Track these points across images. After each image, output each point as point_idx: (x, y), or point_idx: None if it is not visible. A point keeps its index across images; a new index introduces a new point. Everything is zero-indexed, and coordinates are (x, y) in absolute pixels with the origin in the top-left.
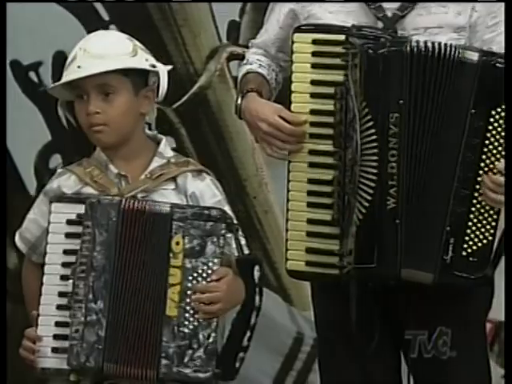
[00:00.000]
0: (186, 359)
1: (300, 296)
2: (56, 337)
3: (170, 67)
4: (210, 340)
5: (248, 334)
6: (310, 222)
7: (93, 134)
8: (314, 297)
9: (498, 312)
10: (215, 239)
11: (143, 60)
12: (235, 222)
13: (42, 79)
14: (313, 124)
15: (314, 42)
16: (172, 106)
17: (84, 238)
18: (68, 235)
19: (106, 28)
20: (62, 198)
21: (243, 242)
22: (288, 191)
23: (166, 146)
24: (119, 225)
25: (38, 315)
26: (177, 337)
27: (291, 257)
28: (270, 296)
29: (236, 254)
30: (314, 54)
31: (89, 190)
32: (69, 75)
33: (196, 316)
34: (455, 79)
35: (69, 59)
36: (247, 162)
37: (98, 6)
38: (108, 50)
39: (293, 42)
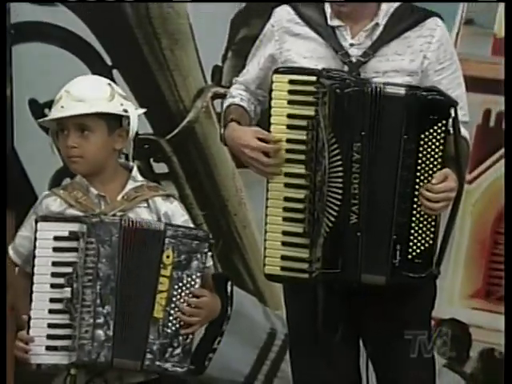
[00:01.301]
0: (166, 355)
1: (273, 298)
2: (49, 336)
3: (142, 111)
4: (188, 341)
5: (218, 338)
6: (285, 233)
7: (70, 164)
8: (286, 297)
9: (439, 311)
10: (199, 256)
11: (118, 104)
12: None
13: None
14: (288, 151)
15: (290, 81)
16: (165, 137)
17: (87, 252)
18: (55, 249)
19: (110, 71)
20: (47, 217)
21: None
22: (266, 207)
23: (137, 172)
24: (121, 240)
25: (30, 319)
26: (161, 335)
27: (268, 263)
28: (247, 298)
29: (213, 269)
30: (290, 91)
31: (72, 211)
32: (54, 113)
33: (178, 320)
34: (391, 111)
35: (56, 98)
36: (228, 184)
37: (102, 52)
38: (88, 94)
39: (272, 82)
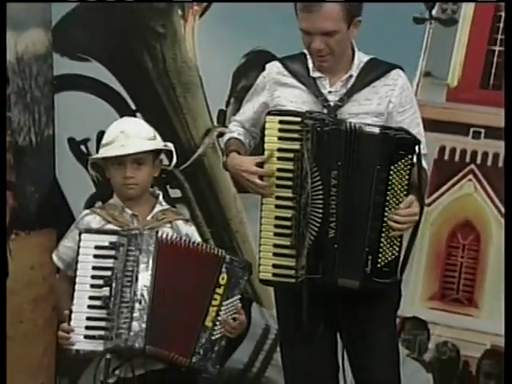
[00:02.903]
0: (207, 356)
1: (267, 299)
2: (87, 327)
3: (171, 146)
4: (222, 347)
5: (238, 345)
6: (276, 246)
7: (126, 190)
8: (277, 298)
9: (403, 311)
10: (241, 281)
11: (160, 142)
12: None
13: (89, 150)
14: (278, 178)
15: (280, 121)
16: (179, 168)
17: (128, 258)
18: (95, 256)
19: (134, 114)
20: (89, 230)
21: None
22: (260, 224)
23: (162, 199)
24: (156, 250)
25: (71, 312)
26: (207, 341)
27: (263, 270)
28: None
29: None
30: (280, 130)
31: (110, 226)
32: (115, 151)
33: (221, 329)
34: (367, 145)
35: (109, 139)
36: (231, 206)
37: (128, 98)
38: (141, 134)
39: (265, 122)
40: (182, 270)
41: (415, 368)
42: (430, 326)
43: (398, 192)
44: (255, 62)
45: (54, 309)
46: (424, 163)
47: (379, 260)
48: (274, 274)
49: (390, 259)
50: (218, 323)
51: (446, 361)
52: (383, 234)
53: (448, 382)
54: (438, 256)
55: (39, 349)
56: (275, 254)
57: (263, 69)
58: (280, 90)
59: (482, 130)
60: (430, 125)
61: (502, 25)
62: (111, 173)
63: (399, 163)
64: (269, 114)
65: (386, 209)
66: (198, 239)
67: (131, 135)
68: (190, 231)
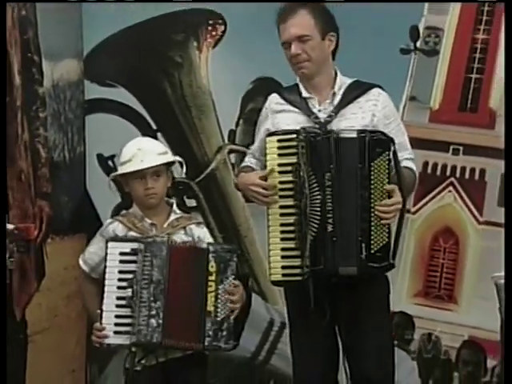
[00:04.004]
0: (218, 336)
1: (272, 296)
2: (116, 324)
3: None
4: (230, 324)
5: (246, 318)
6: (283, 249)
7: (147, 200)
8: (287, 296)
9: (391, 306)
10: (232, 263)
11: (171, 156)
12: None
13: (115, 165)
14: (280, 189)
15: (279, 140)
16: (194, 180)
17: (144, 263)
18: (121, 261)
19: (155, 133)
20: (115, 238)
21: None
22: (268, 232)
23: (176, 207)
24: (168, 254)
25: (102, 311)
26: (213, 323)
27: (273, 272)
28: (254, 296)
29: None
30: (279, 147)
31: (132, 233)
32: (136, 166)
33: (224, 310)
34: (349, 148)
35: (127, 156)
36: (240, 214)
37: (149, 119)
38: (156, 150)
39: (266, 142)
40: (184, 268)
41: (402, 357)
42: (415, 319)
43: (381, 185)
44: (261, 87)
45: (83, 305)
46: (412, 164)
47: (372, 246)
48: (284, 275)
49: (381, 245)
50: (219, 305)
51: (429, 350)
52: (372, 223)
53: (431, 368)
54: (422, 258)
55: (72, 339)
56: (283, 257)
57: (267, 95)
58: (279, 116)
59: (461, 148)
60: (415, 143)
61: (478, 55)
62: (133, 186)
63: (378, 160)
64: (269, 134)
65: (372, 200)
66: (210, 239)
67: (148, 151)
68: (201, 233)
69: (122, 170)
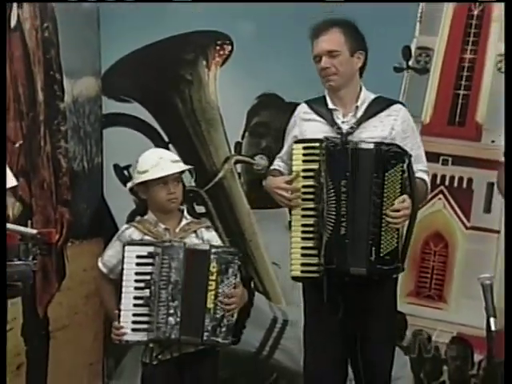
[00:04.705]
0: (217, 332)
1: (275, 296)
2: (133, 322)
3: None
4: (230, 321)
5: (247, 317)
6: (303, 248)
7: (170, 204)
8: (305, 292)
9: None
10: (233, 265)
11: (183, 164)
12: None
13: (130, 175)
14: (303, 193)
15: (304, 147)
16: (203, 188)
17: (163, 265)
18: (138, 264)
19: (167, 145)
20: (132, 242)
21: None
22: (291, 231)
23: (187, 213)
24: (185, 257)
25: (120, 311)
26: (212, 319)
27: (293, 269)
28: (258, 296)
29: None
30: (304, 154)
31: (147, 237)
32: (160, 173)
33: (223, 308)
34: (365, 158)
35: (149, 164)
36: (245, 220)
37: (162, 133)
38: (175, 158)
39: (293, 149)
40: (192, 269)
41: (396, 352)
42: (408, 317)
43: (393, 194)
44: (266, 102)
45: (101, 303)
46: (425, 176)
47: (381, 250)
48: (302, 271)
49: (390, 249)
50: (218, 303)
51: (420, 346)
52: (383, 229)
53: (422, 362)
54: (414, 260)
55: (90, 335)
56: (303, 255)
57: (293, 110)
58: (306, 124)
59: (450, 158)
60: None
61: (465, 73)
62: (155, 192)
63: (392, 170)
64: (296, 142)
65: (384, 208)
66: (219, 242)
67: (168, 160)
68: (210, 236)
69: (145, 177)
